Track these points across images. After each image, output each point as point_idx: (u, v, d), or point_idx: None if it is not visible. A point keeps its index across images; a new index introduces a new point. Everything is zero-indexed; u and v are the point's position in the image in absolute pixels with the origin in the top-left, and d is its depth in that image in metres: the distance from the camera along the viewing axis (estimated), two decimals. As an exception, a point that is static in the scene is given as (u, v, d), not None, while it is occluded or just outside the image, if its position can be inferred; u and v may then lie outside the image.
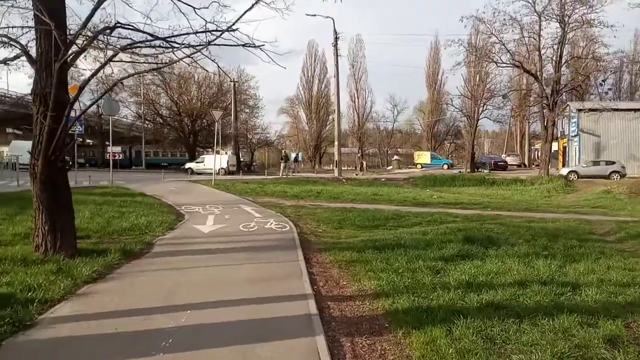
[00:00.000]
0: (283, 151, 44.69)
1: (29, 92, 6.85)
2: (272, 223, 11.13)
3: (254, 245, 8.53)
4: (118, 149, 54.00)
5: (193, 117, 52.85)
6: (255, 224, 10.89)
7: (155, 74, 52.51)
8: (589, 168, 32.54)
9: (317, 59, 67.32)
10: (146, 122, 56.52)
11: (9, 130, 55.45)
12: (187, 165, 39.40)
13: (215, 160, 29.16)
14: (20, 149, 34.68)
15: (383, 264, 6.99)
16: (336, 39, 30.71)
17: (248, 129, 57.86)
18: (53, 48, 6.39)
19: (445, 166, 49.35)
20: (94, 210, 11.59)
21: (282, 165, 35.57)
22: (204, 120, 50.02)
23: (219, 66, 7.26)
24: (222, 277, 6.25)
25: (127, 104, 57.92)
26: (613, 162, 33.01)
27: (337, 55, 30.97)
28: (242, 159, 54.97)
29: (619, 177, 30.92)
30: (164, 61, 7.40)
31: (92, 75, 6.82)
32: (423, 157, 53.29)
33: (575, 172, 32.41)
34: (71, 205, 7.00)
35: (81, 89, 6.76)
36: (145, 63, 6.63)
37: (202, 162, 39.33)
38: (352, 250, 8.09)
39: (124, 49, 6.71)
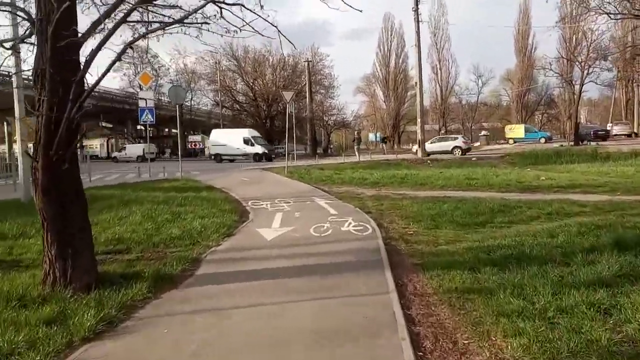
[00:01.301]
0: (356, 132, 42.18)
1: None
2: (349, 224, 8.99)
3: (326, 261, 6.44)
4: (198, 137, 54.76)
5: (269, 101, 52.23)
6: (330, 226, 8.82)
7: (230, 59, 52.50)
8: (433, 144, 33.56)
9: (393, 32, 63.92)
10: (224, 109, 56.85)
11: (103, 124, 57.19)
12: (114, 154, 47.12)
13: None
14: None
15: (518, 300, 4.58)
16: (417, 2, 27.41)
17: (324, 111, 56.29)
18: (45, 9, 4.72)
19: (543, 140, 44.08)
20: (148, 211, 10.19)
21: (356, 147, 33.64)
22: (279, 105, 49.14)
23: (278, 30, 5.32)
24: (276, 327, 4.20)
25: (205, 91, 58.73)
26: (456, 138, 34.76)
27: (418, 22, 27.70)
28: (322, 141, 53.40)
29: (460, 152, 31.54)
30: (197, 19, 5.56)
31: (102, 44, 5.06)
32: (515, 130, 48.10)
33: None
34: (86, 219, 5.35)
35: (88, 62, 5.03)
36: (161, 22, 4.76)
37: (125, 150, 47.43)
38: (461, 268, 5.74)
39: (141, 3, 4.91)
